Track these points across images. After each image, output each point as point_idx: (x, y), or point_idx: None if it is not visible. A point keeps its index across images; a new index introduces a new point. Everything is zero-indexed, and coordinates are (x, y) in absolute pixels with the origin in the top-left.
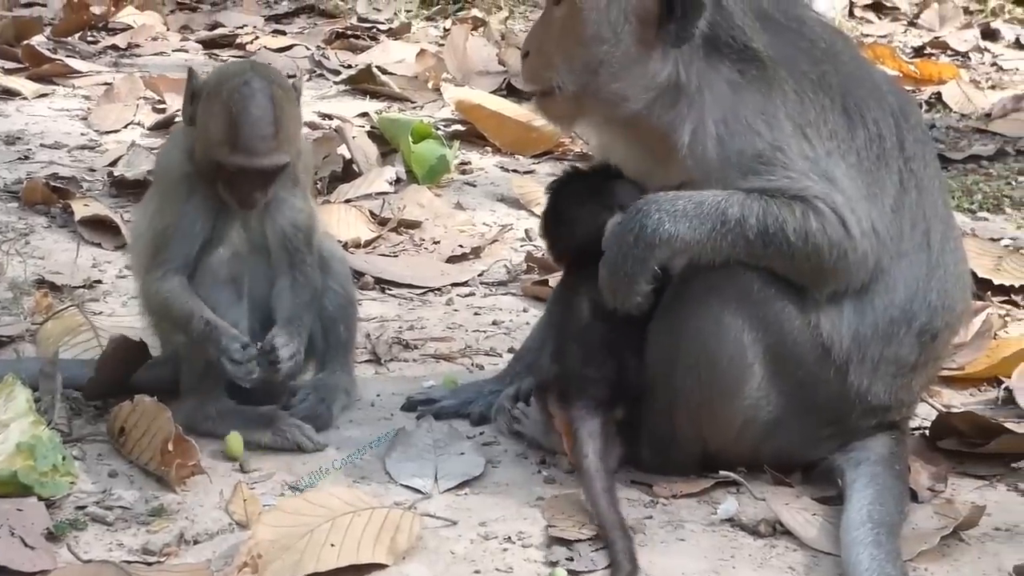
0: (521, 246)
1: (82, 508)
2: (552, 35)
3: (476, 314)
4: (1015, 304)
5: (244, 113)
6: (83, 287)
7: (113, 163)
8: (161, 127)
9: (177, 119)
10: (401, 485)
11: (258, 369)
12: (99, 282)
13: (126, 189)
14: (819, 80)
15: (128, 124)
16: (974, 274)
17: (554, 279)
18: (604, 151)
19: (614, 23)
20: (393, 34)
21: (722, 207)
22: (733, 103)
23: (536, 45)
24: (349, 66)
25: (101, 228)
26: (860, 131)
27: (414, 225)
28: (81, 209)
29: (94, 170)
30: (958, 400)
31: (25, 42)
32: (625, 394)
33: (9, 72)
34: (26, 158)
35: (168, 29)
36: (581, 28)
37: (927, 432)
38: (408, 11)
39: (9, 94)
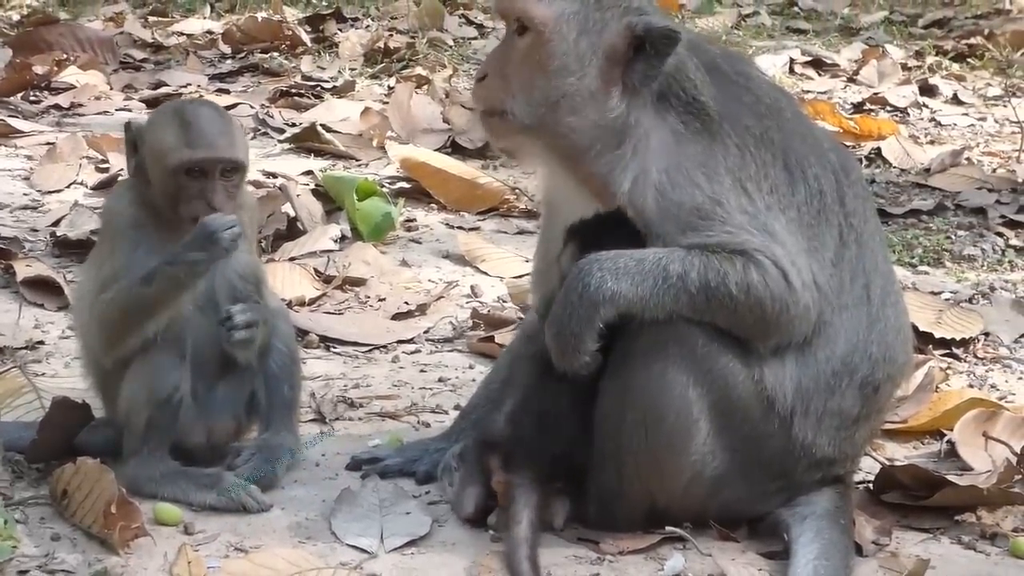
0: (467, 303)
1: (24, 572)
2: (514, 63)
3: (422, 371)
4: (956, 357)
5: (197, 116)
6: (25, 348)
7: (56, 223)
8: (104, 186)
9: (121, 177)
10: (347, 545)
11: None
12: (41, 343)
13: (69, 249)
14: (762, 135)
15: (71, 184)
16: (915, 328)
17: (500, 335)
18: (548, 192)
19: (581, 57)
20: (337, 92)
21: (663, 263)
22: (675, 154)
23: (495, 69)
24: (293, 124)
25: (44, 289)
26: (801, 186)
27: (359, 282)
28: (23, 270)
29: (36, 230)
30: (901, 453)
31: None
32: (567, 471)
33: None
34: None
35: (111, 88)
36: (547, 60)
37: (871, 485)
38: (352, 69)
39: None
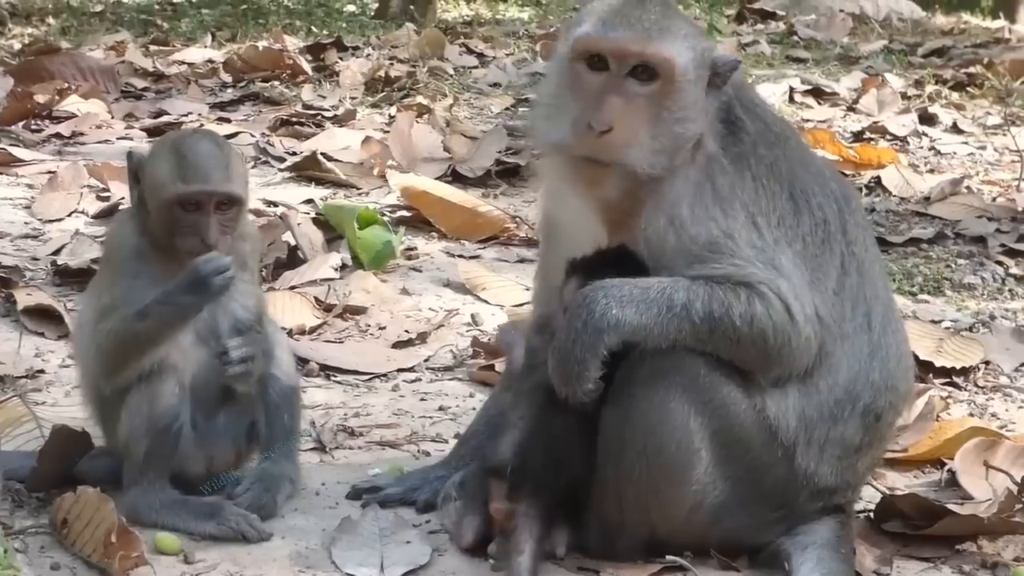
0: (467, 331)
1: None
2: (641, 113)
3: (422, 400)
4: (957, 386)
5: (193, 149)
6: (26, 377)
7: (56, 252)
8: (105, 215)
9: (122, 206)
10: (347, 574)
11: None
12: (42, 372)
13: (70, 278)
14: (772, 165)
15: (72, 213)
16: (916, 357)
17: (501, 364)
18: (554, 215)
19: (696, 102)
20: (338, 121)
21: (668, 292)
22: (702, 184)
23: (621, 120)
24: (294, 153)
25: (44, 317)
26: (806, 216)
27: (359, 311)
28: (24, 298)
29: (37, 259)
30: (902, 482)
31: None
32: (569, 500)
33: None
34: None
35: (113, 117)
36: (675, 107)
37: (872, 514)
38: (353, 98)
39: None
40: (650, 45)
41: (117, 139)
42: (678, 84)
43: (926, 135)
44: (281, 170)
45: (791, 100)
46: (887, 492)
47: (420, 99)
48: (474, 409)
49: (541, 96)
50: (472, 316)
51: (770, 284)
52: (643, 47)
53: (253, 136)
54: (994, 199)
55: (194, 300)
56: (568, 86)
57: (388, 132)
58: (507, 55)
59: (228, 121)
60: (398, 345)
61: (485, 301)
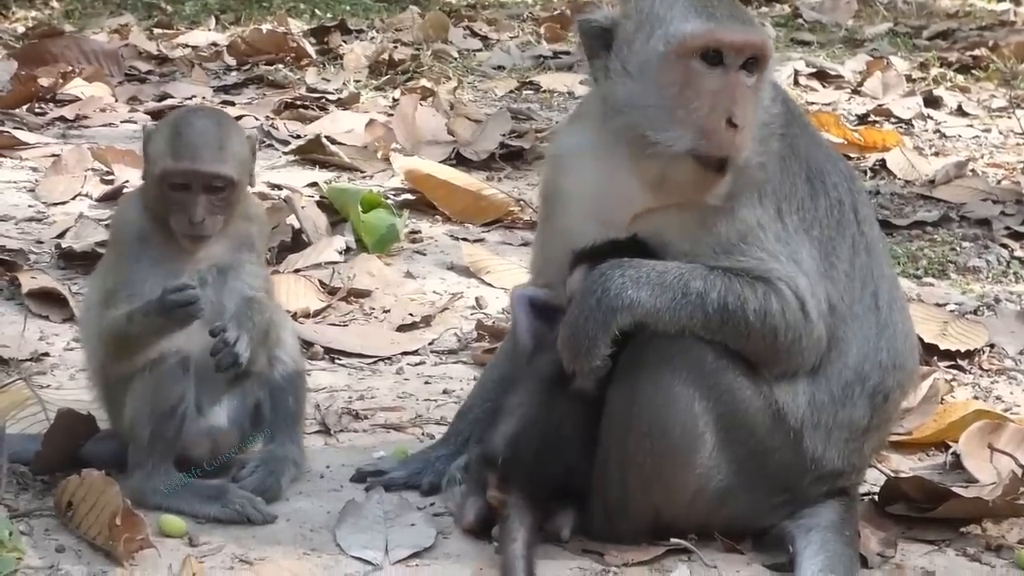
0: (471, 314)
1: None
2: (748, 104)
3: (427, 383)
4: (961, 369)
5: (188, 126)
6: (30, 360)
7: (61, 235)
8: (109, 198)
9: (126, 189)
10: (352, 557)
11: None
12: (47, 355)
13: (74, 261)
14: (791, 144)
15: (76, 196)
16: (921, 339)
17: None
18: (561, 184)
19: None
20: (342, 104)
21: (685, 279)
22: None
23: (743, 116)
24: (298, 136)
25: (49, 301)
26: (822, 199)
27: (364, 294)
28: (28, 281)
29: (42, 242)
30: (906, 465)
31: None
32: (569, 486)
33: None
34: None
35: (117, 100)
36: (763, 96)
37: (876, 497)
38: (357, 81)
39: None
40: (762, 36)
41: (121, 122)
42: (766, 73)
43: (931, 118)
44: (285, 153)
45: (796, 83)
46: (891, 475)
47: (424, 82)
48: None
49: (637, 97)
50: (476, 299)
51: (789, 282)
52: (761, 39)
53: (257, 119)
54: (999, 182)
55: (163, 323)
56: (680, 84)
57: (392, 115)
58: (511, 38)
59: (232, 104)
60: (402, 328)
61: (489, 284)
